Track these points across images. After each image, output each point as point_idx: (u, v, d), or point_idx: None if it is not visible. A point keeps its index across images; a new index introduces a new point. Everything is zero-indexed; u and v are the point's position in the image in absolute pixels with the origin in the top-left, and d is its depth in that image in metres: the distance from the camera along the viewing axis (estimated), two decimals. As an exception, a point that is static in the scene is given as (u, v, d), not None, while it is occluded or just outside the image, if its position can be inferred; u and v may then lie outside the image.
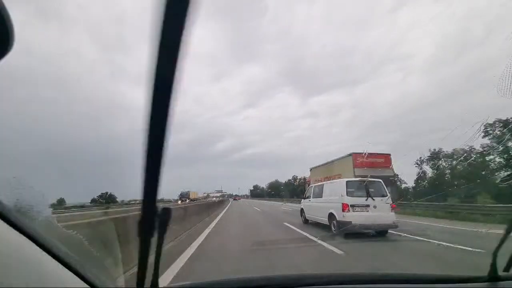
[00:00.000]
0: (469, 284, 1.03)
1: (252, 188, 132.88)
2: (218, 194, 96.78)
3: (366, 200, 6.90)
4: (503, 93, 1.67)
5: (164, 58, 0.42)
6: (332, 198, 7.81)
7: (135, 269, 0.65)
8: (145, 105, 0.46)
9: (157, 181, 0.54)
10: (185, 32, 0.40)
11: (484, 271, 1.01)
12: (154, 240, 0.64)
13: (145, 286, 0.69)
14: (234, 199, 70.70)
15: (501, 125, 20.36)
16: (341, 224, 6.83)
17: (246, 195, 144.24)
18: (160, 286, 0.75)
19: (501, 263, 0.99)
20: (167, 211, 0.63)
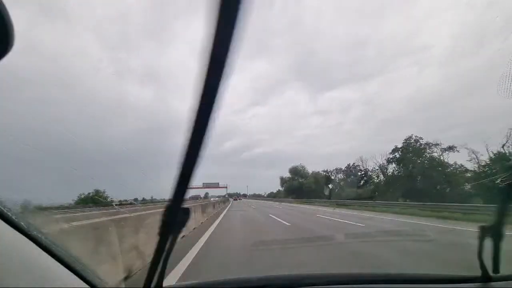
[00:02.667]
0: (464, 285, 1.03)
1: (288, 176, 64.72)
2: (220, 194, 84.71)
3: None
4: (504, 94, 1.66)
5: (212, 70, 0.46)
6: None
7: (135, 269, 0.65)
8: (191, 110, 0.50)
9: (188, 182, 0.58)
10: (233, 44, 0.44)
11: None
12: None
13: (150, 286, 0.69)
14: (234, 199, 69.16)
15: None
16: None
17: (258, 194, 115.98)
18: (164, 286, 0.75)
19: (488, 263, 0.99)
20: (187, 211, 0.66)
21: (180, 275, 3.50)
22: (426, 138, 32.90)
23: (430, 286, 1.08)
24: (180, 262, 4.08)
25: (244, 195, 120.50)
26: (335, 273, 1.13)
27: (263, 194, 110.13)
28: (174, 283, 1.21)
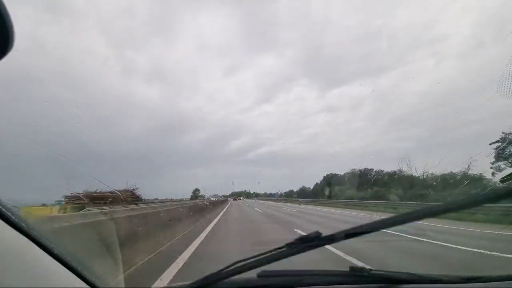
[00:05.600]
0: (464, 285, 1.03)
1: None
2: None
3: None
4: (504, 93, 1.66)
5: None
6: None
7: (134, 269, 0.65)
8: None
9: None
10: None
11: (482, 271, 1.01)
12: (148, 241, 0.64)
13: (143, 287, 0.69)
14: (233, 199, 67.16)
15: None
16: None
17: (270, 193, 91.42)
18: (164, 286, 0.75)
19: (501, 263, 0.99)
20: None
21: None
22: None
23: (430, 286, 1.08)
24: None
25: (255, 194, 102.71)
26: (335, 272, 1.12)
27: (275, 194, 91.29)
28: (173, 284, 1.21)
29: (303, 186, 65.77)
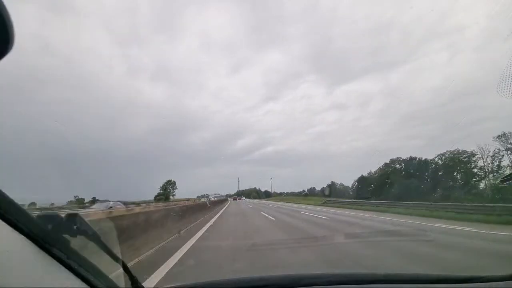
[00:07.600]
0: (464, 285, 1.03)
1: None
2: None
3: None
4: (504, 93, 1.66)
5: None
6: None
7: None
8: None
9: None
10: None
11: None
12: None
13: (142, 287, 0.69)
14: (234, 199, 64.27)
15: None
16: None
17: (285, 192, 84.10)
18: (164, 286, 0.76)
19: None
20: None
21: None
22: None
23: (430, 286, 1.09)
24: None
25: (267, 194, 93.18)
26: (335, 273, 1.12)
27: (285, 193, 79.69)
28: (173, 284, 1.22)
29: (332, 181, 51.90)
